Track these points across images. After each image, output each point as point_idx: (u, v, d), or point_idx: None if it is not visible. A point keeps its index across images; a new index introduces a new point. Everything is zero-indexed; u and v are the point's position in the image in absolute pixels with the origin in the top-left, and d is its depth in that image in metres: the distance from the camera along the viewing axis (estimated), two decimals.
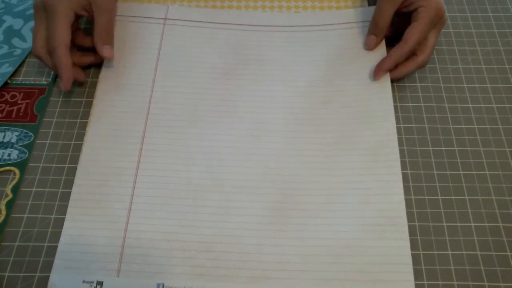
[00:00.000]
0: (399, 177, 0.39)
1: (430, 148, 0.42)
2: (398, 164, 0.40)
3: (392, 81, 0.45)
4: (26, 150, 0.42)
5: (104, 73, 0.46)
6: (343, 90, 0.44)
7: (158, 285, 0.36)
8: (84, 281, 0.36)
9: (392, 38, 0.46)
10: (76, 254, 0.37)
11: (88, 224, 0.38)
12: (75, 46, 0.46)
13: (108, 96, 0.44)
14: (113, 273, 0.36)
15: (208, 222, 0.38)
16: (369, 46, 0.46)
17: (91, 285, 0.36)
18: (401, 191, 0.39)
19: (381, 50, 0.46)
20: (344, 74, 0.45)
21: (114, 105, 0.44)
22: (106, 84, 0.45)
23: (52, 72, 0.47)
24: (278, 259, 0.37)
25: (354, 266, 0.36)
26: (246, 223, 0.38)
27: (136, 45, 0.47)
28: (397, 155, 0.40)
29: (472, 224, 0.38)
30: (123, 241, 0.37)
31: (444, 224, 0.39)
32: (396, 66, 0.44)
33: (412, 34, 0.42)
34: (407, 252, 0.36)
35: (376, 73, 0.44)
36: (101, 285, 0.36)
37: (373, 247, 0.37)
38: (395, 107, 0.44)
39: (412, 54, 0.44)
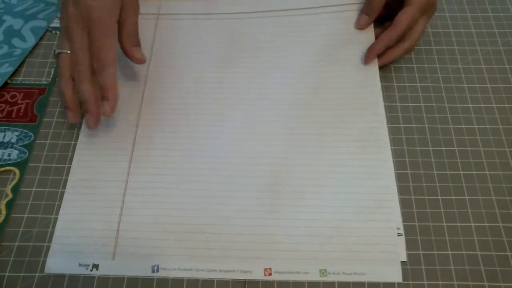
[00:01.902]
0: (389, 163, 0.40)
1: (430, 148, 0.42)
2: (388, 151, 0.41)
3: (380, 68, 0.45)
4: (26, 150, 0.42)
5: None
6: (334, 76, 0.45)
7: (152, 266, 0.36)
8: (80, 264, 0.37)
9: (382, 19, 0.47)
10: (72, 238, 0.38)
11: (83, 210, 0.39)
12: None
13: None
14: (108, 256, 0.37)
15: (200, 205, 0.39)
16: (360, 25, 0.47)
17: (87, 268, 0.37)
18: (391, 176, 0.40)
19: (370, 35, 0.47)
20: (335, 60, 0.46)
21: None
22: None
23: (52, 72, 0.47)
24: (270, 239, 0.37)
25: (343, 246, 0.37)
26: (238, 205, 0.39)
27: None
28: (387, 141, 0.41)
29: (472, 224, 0.38)
30: (118, 226, 0.38)
31: (444, 224, 0.38)
32: (383, 52, 0.45)
33: (403, 19, 0.43)
34: (394, 233, 0.37)
35: (367, 57, 0.45)
36: (97, 268, 0.36)
37: (361, 228, 0.38)
38: (395, 107, 0.44)
39: (400, 40, 0.44)
